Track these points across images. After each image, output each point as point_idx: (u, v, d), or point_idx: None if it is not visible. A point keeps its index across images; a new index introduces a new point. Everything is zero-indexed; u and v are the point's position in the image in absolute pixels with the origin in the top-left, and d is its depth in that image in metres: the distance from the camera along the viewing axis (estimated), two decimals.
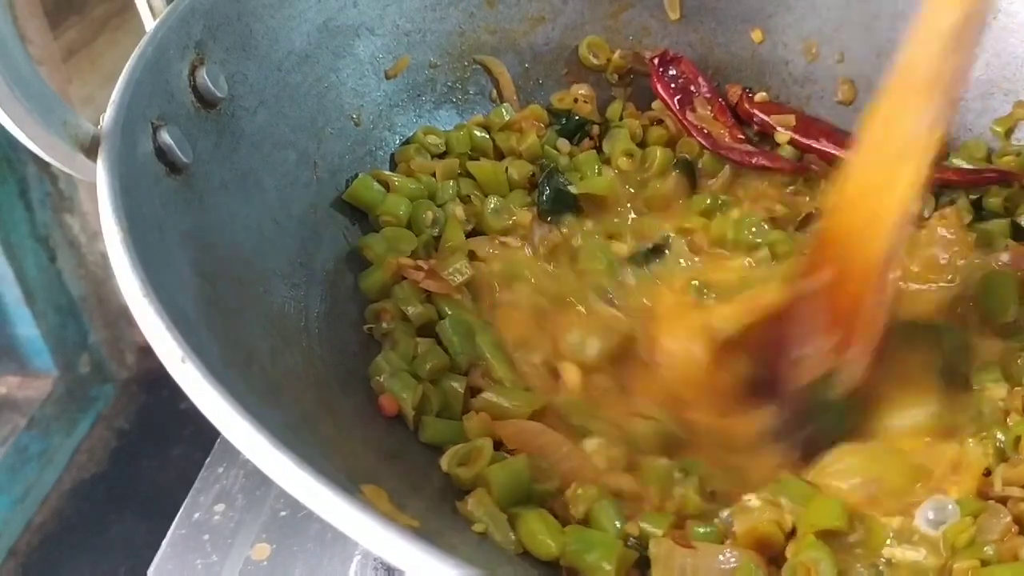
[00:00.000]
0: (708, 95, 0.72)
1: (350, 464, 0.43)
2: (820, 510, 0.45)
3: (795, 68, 0.74)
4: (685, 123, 0.71)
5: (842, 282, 0.52)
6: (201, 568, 0.60)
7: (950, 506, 0.45)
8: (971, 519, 0.44)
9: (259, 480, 0.65)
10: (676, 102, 0.72)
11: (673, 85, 0.72)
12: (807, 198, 0.68)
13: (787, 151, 0.70)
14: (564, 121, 0.71)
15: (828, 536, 0.44)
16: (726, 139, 0.71)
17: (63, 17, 1.24)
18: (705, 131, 0.71)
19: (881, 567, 0.44)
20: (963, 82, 0.52)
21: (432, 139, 0.66)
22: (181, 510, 0.64)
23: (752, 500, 0.46)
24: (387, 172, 0.64)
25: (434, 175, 0.64)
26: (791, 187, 0.69)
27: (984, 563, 0.43)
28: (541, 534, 0.44)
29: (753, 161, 0.69)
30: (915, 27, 0.50)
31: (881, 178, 0.51)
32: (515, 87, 0.72)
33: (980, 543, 0.43)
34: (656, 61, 0.73)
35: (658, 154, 0.69)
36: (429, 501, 0.46)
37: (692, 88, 0.73)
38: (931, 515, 0.44)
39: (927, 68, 0.49)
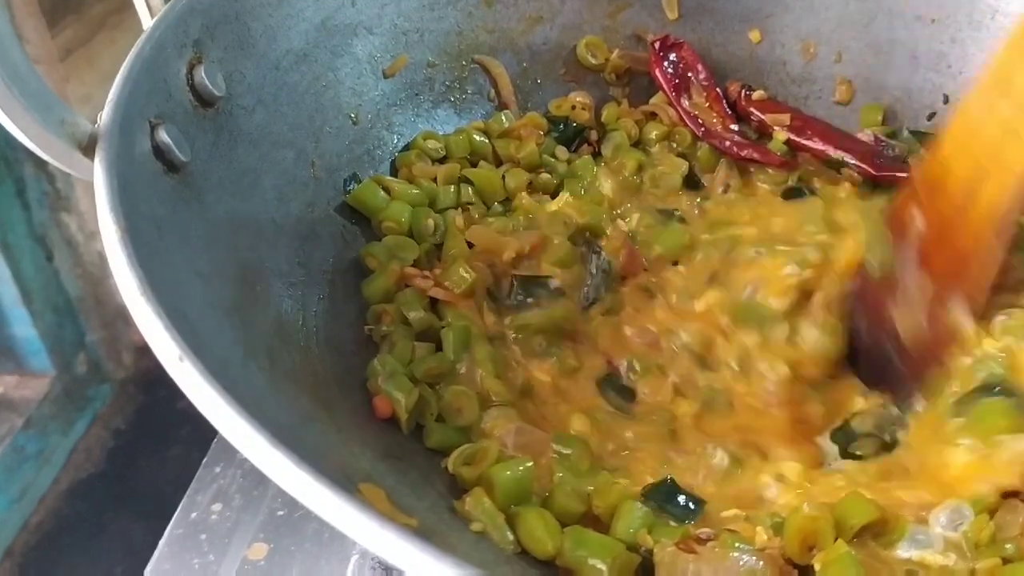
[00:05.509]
0: (705, 83, 0.73)
1: (348, 463, 0.43)
2: (851, 507, 0.45)
3: (793, 68, 0.74)
4: (679, 110, 0.71)
5: (945, 235, 0.52)
6: (198, 568, 0.60)
7: (964, 509, 0.44)
8: (987, 516, 0.44)
9: (256, 479, 0.65)
10: (672, 88, 0.72)
11: (671, 71, 0.73)
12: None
13: (782, 149, 0.71)
14: (562, 127, 0.71)
15: (859, 535, 0.44)
16: (718, 128, 0.71)
17: (61, 16, 1.24)
18: (698, 119, 0.71)
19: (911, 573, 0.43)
20: None
21: (432, 144, 0.66)
22: (178, 510, 0.64)
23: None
24: (389, 178, 0.64)
25: (435, 180, 0.64)
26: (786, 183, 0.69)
27: (1005, 560, 0.42)
28: (539, 533, 0.44)
29: (743, 153, 0.69)
30: None
31: (996, 138, 0.50)
32: (513, 87, 0.72)
33: (1000, 540, 0.43)
34: (657, 45, 0.73)
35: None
36: (427, 500, 0.46)
37: (690, 75, 0.73)
38: (945, 520, 0.44)
39: None
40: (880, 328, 0.55)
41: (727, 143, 0.70)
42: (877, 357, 0.55)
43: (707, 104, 0.72)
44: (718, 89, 0.73)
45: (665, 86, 0.72)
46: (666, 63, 0.73)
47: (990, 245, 0.51)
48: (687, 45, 0.73)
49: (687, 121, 0.71)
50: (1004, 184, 0.50)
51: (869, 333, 0.56)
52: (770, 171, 0.70)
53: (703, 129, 0.70)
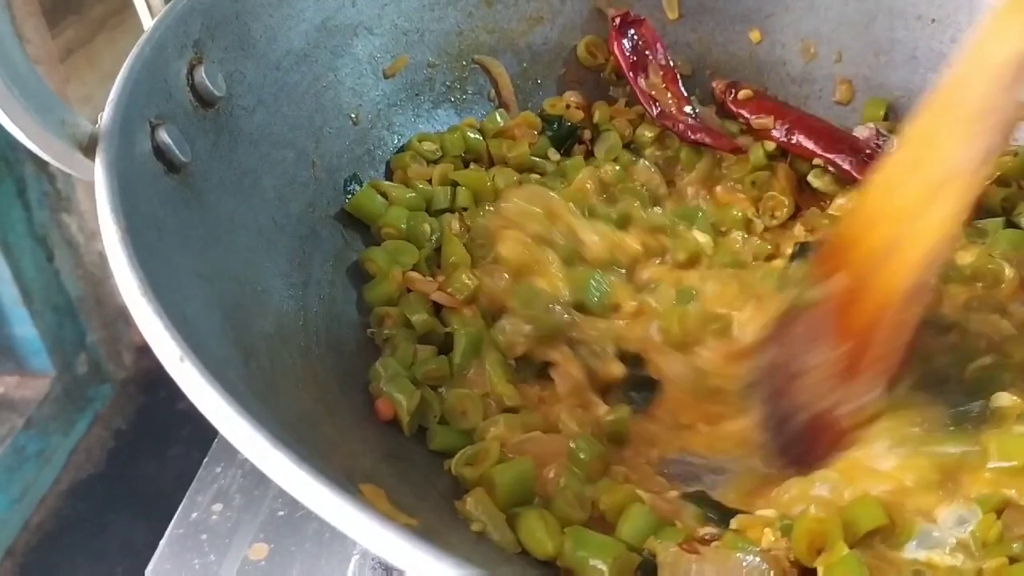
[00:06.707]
0: (663, 63, 0.72)
1: (349, 463, 0.43)
2: (859, 510, 0.44)
3: (793, 68, 0.75)
4: (635, 88, 0.71)
5: (857, 298, 0.50)
6: (199, 568, 0.60)
7: (972, 509, 0.44)
8: (994, 515, 0.44)
9: (257, 479, 0.65)
10: (629, 67, 0.72)
11: (629, 48, 0.72)
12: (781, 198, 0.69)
13: (769, 148, 0.70)
14: (556, 126, 0.71)
15: (867, 537, 0.44)
16: (672, 110, 0.70)
17: (61, 16, 1.24)
18: (653, 99, 0.70)
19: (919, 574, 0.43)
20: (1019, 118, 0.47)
21: (427, 145, 0.66)
22: (179, 510, 0.64)
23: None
24: (386, 182, 0.64)
25: (430, 181, 0.64)
26: (754, 179, 0.69)
27: (1012, 560, 0.42)
28: (539, 533, 0.44)
29: (695, 136, 0.69)
30: (965, 51, 0.47)
31: (915, 202, 0.48)
32: (513, 87, 0.72)
33: (1007, 540, 0.43)
34: (618, 21, 0.72)
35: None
36: (428, 501, 0.46)
37: (648, 54, 0.72)
38: (953, 519, 0.44)
39: (976, 99, 0.46)
40: (786, 402, 0.52)
41: (680, 125, 0.69)
42: (783, 432, 0.52)
43: (663, 85, 0.72)
44: (674, 70, 0.72)
45: (623, 64, 0.72)
46: (625, 40, 0.72)
47: (898, 317, 0.49)
48: (648, 22, 0.73)
49: (641, 100, 0.70)
50: (914, 255, 0.48)
51: (775, 407, 0.53)
52: (730, 164, 0.69)
53: (658, 110, 0.70)
